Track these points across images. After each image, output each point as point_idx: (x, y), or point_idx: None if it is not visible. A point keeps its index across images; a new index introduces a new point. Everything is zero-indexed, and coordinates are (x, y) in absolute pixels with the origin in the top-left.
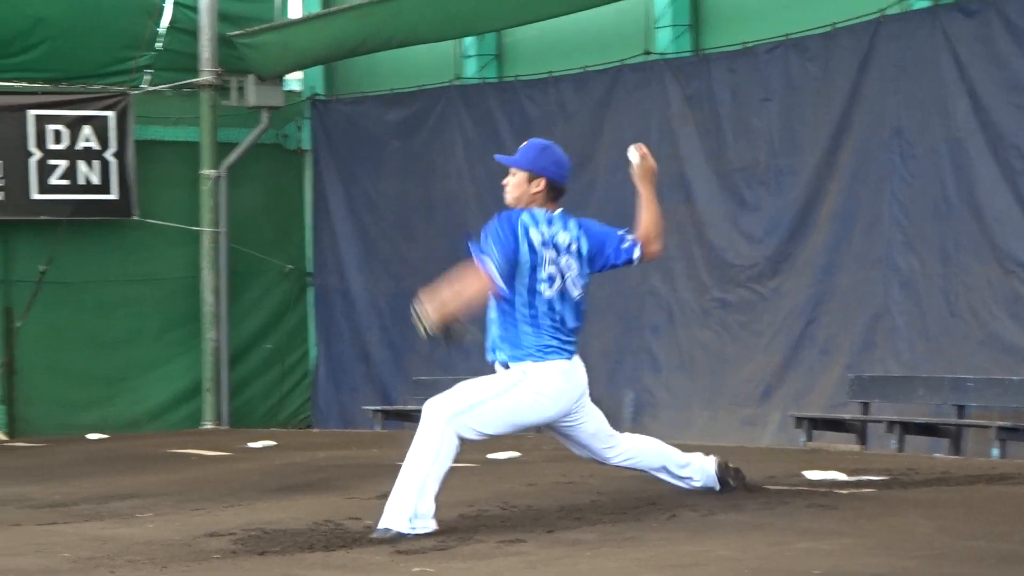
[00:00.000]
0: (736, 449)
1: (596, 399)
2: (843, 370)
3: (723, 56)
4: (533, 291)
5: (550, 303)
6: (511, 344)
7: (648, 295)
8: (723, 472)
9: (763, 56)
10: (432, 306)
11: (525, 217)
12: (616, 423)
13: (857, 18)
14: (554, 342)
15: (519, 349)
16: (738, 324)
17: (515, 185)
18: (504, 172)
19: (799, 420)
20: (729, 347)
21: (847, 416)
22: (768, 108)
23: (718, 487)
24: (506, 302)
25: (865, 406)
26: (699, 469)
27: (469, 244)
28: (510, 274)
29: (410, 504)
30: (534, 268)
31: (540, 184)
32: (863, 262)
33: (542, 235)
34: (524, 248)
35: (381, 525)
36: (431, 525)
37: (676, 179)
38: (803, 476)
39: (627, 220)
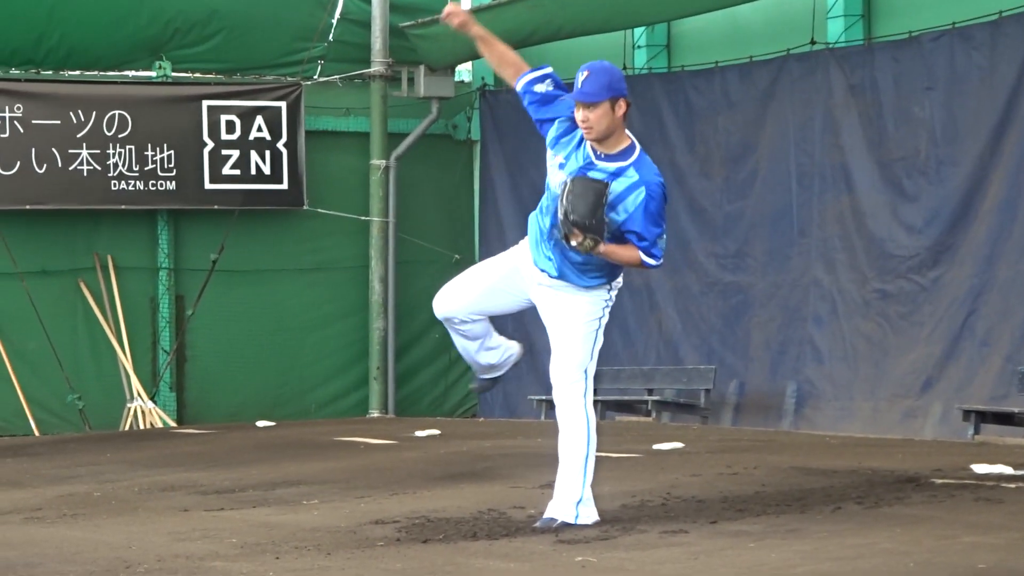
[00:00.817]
0: (902, 442)
1: (757, 389)
2: (1003, 362)
3: (888, 45)
4: None
5: None
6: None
7: (811, 285)
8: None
9: (928, 45)
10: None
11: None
12: (778, 414)
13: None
14: None
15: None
16: (898, 315)
17: (600, 117)
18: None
19: (967, 413)
20: (890, 338)
21: (1016, 409)
22: (931, 97)
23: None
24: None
25: None
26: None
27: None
28: None
29: (575, 492)
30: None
31: (623, 106)
32: (1022, 252)
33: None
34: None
35: (547, 515)
36: (594, 514)
37: (838, 169)
38: (970, 469)
39: (787, 210)
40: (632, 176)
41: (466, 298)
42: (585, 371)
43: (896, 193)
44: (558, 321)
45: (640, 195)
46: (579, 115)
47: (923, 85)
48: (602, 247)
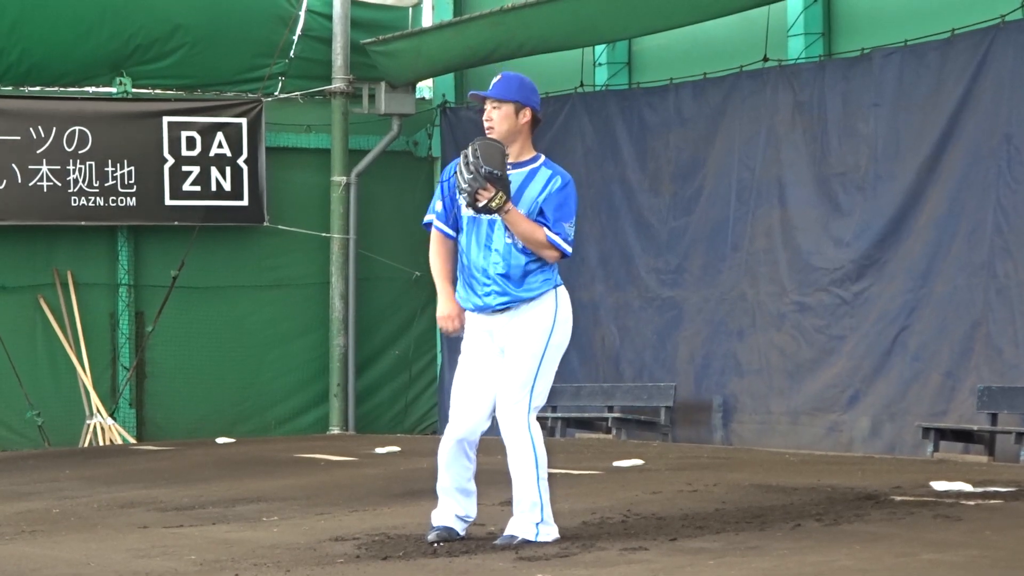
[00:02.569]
0: (861, 459)
1: (686, 404)
2: (943, 378)
3: (839, 63)
4: None
5: None
6: (540, 278)
7: (737, 300)
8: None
9: (878, 62)
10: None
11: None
12: (708, 429)
13: (977, 24)
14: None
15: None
16: (814, 328)
17: (503, 118)
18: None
19: (926, 431)
20: (804, 351)
21: (975, 427)
22: (876, 113)
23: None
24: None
25: (993, 417)
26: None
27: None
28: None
29: (535, 512)
30: None
31: (527, 115)
32: (963, 268)
33: None
34: None
35: (507, 532)
36: (554, 531)
37: (773, 184)
38: (930, 487)
39: (724, 225)
40: (546, 172)
41: (473, 407)
42: (531, 391)
43: (831, 207)
44: (511, 345)
45: (556, 182)
46: (485, 115)
47: (871, 102)
48: (510, 205)
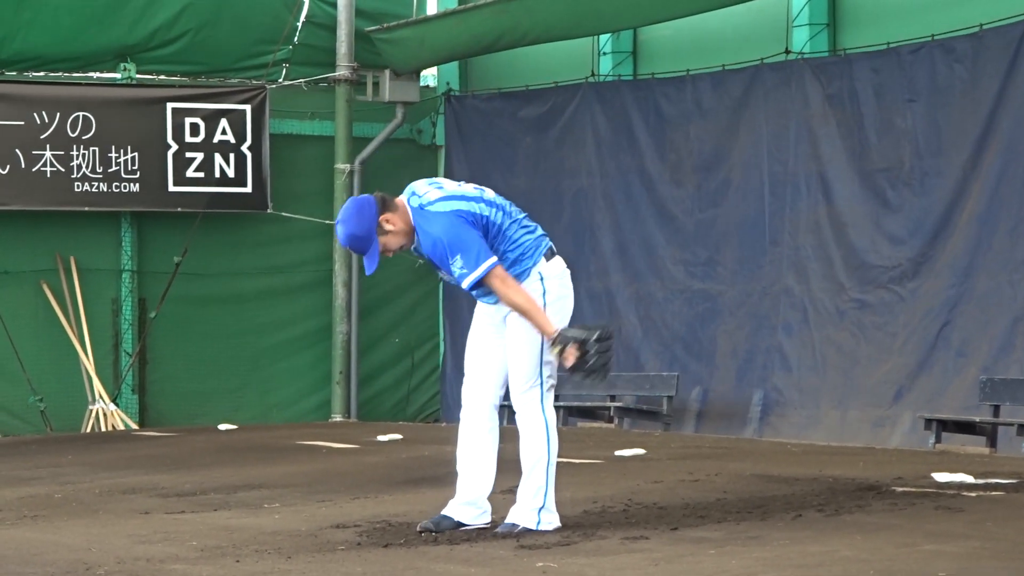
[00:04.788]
0: (864, 450)
1: (721, 397)
2: (979, 372)
3: (865, 56)
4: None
5: None
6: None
7: (782, 294)
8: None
9: (907, 56)
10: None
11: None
12: (742, 421)
13: (1004, 19)
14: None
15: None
16: (873, 325)
17: (390, 243)
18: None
19: (928, 422)
20: (863, 347)
21: (977, 419)
22: (913, 109)
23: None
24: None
25: (996, 409)
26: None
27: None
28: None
29: (538, 498)
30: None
31: (387, 222)
32: (1005, 264)
33: None
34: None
35: (508, 520)
36: (556, 520)
37: (815, 179)
38: (931, 478)
39: (759, 219)
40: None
41: (484, 374)
42: (540, 375)
43: (879, 203)
44: (511, 333)
45: (427, 243)
46: (387, 256)
47: (904, 97)
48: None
